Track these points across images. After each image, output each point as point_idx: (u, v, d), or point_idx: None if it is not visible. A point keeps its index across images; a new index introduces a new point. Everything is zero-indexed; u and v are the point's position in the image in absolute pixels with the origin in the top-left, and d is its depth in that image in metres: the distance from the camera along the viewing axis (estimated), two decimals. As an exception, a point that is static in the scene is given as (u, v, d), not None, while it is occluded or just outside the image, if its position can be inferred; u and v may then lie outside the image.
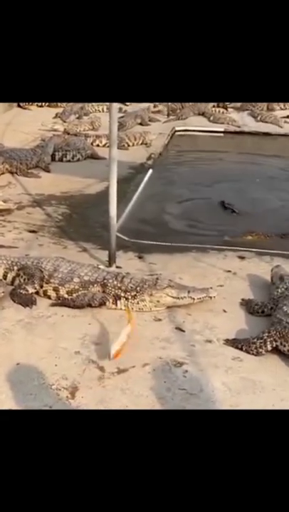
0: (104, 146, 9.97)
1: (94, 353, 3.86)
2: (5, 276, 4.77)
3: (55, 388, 3.47)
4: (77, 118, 12.86)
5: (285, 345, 3.82)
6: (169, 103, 14.07)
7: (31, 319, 4.26)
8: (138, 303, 4.40)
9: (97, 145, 10.27)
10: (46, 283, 4.58)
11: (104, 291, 4.48)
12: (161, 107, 14.73)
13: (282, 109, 14.95)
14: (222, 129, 12.73)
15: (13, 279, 4.75)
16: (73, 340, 4.00)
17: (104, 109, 13.33)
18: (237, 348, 3.95)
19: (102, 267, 5.05)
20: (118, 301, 4.44)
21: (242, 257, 5.67)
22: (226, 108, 14.93)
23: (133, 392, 3.47)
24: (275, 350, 3.88)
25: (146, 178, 8.44)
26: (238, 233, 6.46)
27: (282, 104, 15.15)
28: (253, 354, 3.87)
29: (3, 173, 8.28)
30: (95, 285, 4.51)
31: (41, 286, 4.58)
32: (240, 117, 13.81)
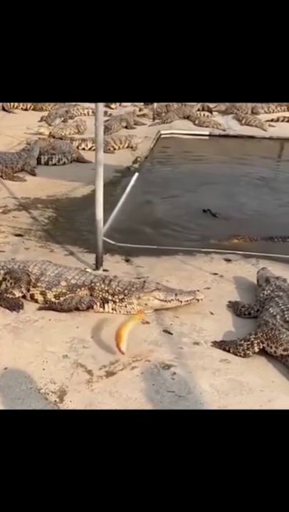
0: (89, 149, 10.00)
1: (82, 356, 3.85)
2: None
3: (43, 392, 3.46)
4: (63, 121, 12.86)
5: (271, 347, 3.85)
6: (155, 107, 14.14)
7: (18, 323, 4.24)
8: (126, 306, 4.40)
9: (83, 148, 10.29)
10: (33, 287, 4.56)
11: (91, 295, 4.48)
12: (146, 110, 14.81)
13: (266, 112, 15.13)
14: (207, 133, 12.82)
15: (0, 283, 4.72)
16: (61, 344, 3.98)
17: (90, 113, 13.36)
18: (224, 350, 3.98)
19: (89, 270, 5.05)
20: (106, 305, 4.44)
21: (228, 260, 5.71)
22: (210, 111, 15.05)
23: (121, 395, 3.46)
24: (262, 352, 3.91)
25: (132, 182, 8.46)
26: (224, 236, 6.50)
27: (266, 108, 15.35)
28: (240, 356, 3.90)
29: (-12, 177, 8.26)
30: (83, 288, 4.51)
31: (28, 290, 4.57)
32: (225, 121, 13.93)
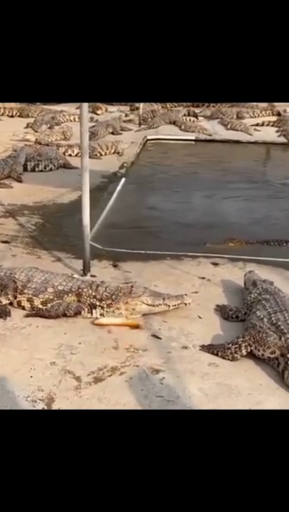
0: (76, 155, 9.99)
1: (70, 363, 3.83)
2: None
3: (30, 400, 3.43)
4: (49, 128, 12.84)
5: (259, 350, 3.86)
6: (141, 112, 14.20)
7: (5, 331, 4.21)
8: (113, 311, 4.39)
9: (70, 155, 10.28)
10: (20, 294, 4.53)
11: (79, 301, 4.46)
12: (132, 116, 14.86)
13: (251, 117, 15.27)
14: (193, 137, 12.90)
15: None
16: (49, 350, 3.96)
17: (76, 119, 13.36)
18: (213, 353, 3.98)
19: (76, 276, 5.03)
20: (93, 310, 4.42)
21: (215, 264, 5.72)
22: (196, 117, 15.14)
23: (110, 401, 3.45)
24: (250, 355, 3.92)
25: (119, 187, 8.47)
26: (220, 240, 6.49)
27: (251, 113, 15.49)
28: (228, 359, 3.91)
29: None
30: (70, 294, 4.49)
31: (15, 297, 4.54)
32: (210, 126, 14.01)
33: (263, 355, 3.86)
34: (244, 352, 3.90)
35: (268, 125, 14.24)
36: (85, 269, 5.30)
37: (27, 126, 12.89)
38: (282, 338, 3.82)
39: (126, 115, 15.00)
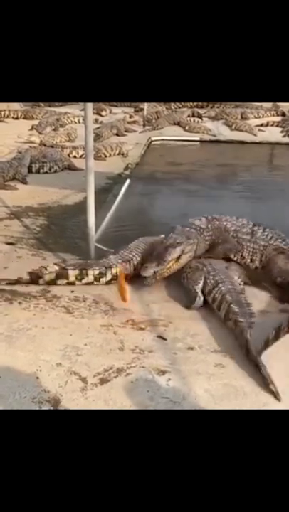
0: (81, 157, 10.01)
1: (76, 364, 3.83)
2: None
3: (36, 401, 3.43)
4: (54, 130, 12.89)
5: None
6: (145, 113, 14.23)
7: (11, 332, 4.22)
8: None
9: (74, 156, 10.31)
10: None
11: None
12: (136, 117, 14.89)
13: (256, 117, 15.27)
14: (198, 138, 12.90)
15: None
16: (54, 352, 3.96)
17: (80, 121, 13.41)
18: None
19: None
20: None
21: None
22: (200, 117, 15.16)
23: (116, 403, 3.44)
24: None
25: (123, 188, 8.48)
26: None
27: (255, 113, 15.49)
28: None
29: (-21, 186, 8.25)
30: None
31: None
32: (215, 126, 14.02)
33: None
34: None
35: (272, 125, 14.24)
36: (90, 271, 5.29)
37: (31, 128, 12.95)
38: None
39: (130, 116, 15.03)
